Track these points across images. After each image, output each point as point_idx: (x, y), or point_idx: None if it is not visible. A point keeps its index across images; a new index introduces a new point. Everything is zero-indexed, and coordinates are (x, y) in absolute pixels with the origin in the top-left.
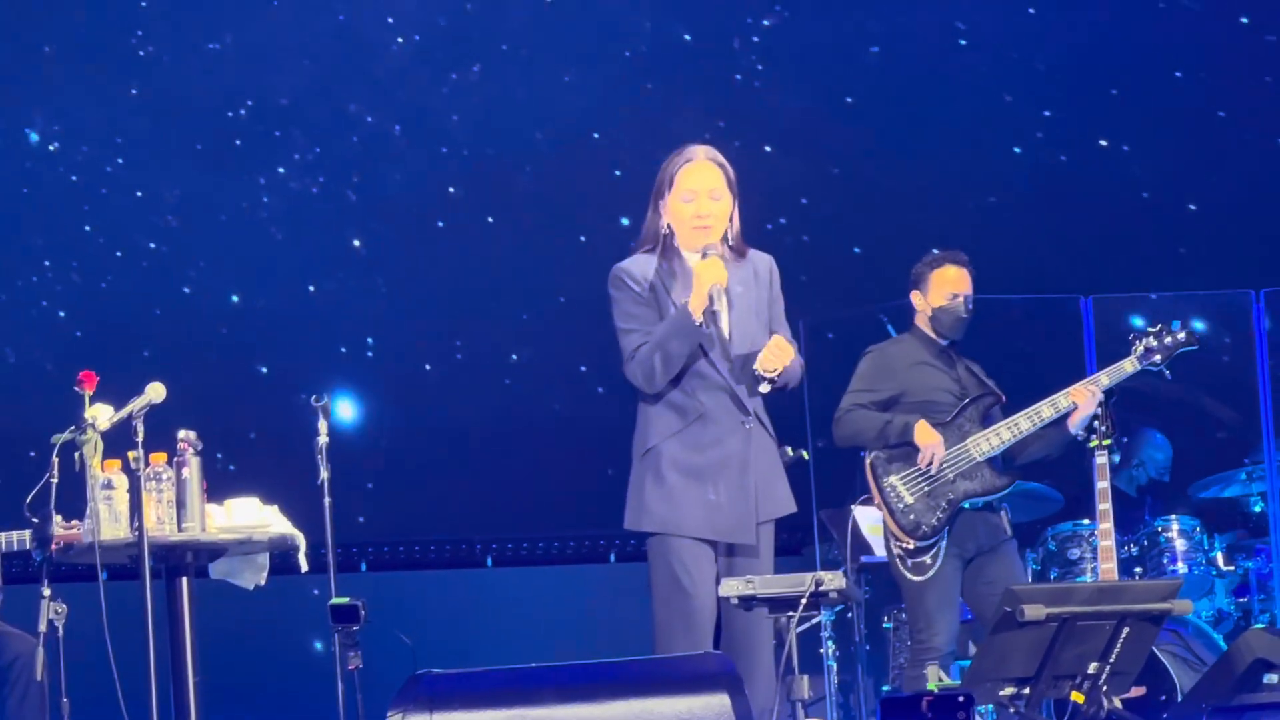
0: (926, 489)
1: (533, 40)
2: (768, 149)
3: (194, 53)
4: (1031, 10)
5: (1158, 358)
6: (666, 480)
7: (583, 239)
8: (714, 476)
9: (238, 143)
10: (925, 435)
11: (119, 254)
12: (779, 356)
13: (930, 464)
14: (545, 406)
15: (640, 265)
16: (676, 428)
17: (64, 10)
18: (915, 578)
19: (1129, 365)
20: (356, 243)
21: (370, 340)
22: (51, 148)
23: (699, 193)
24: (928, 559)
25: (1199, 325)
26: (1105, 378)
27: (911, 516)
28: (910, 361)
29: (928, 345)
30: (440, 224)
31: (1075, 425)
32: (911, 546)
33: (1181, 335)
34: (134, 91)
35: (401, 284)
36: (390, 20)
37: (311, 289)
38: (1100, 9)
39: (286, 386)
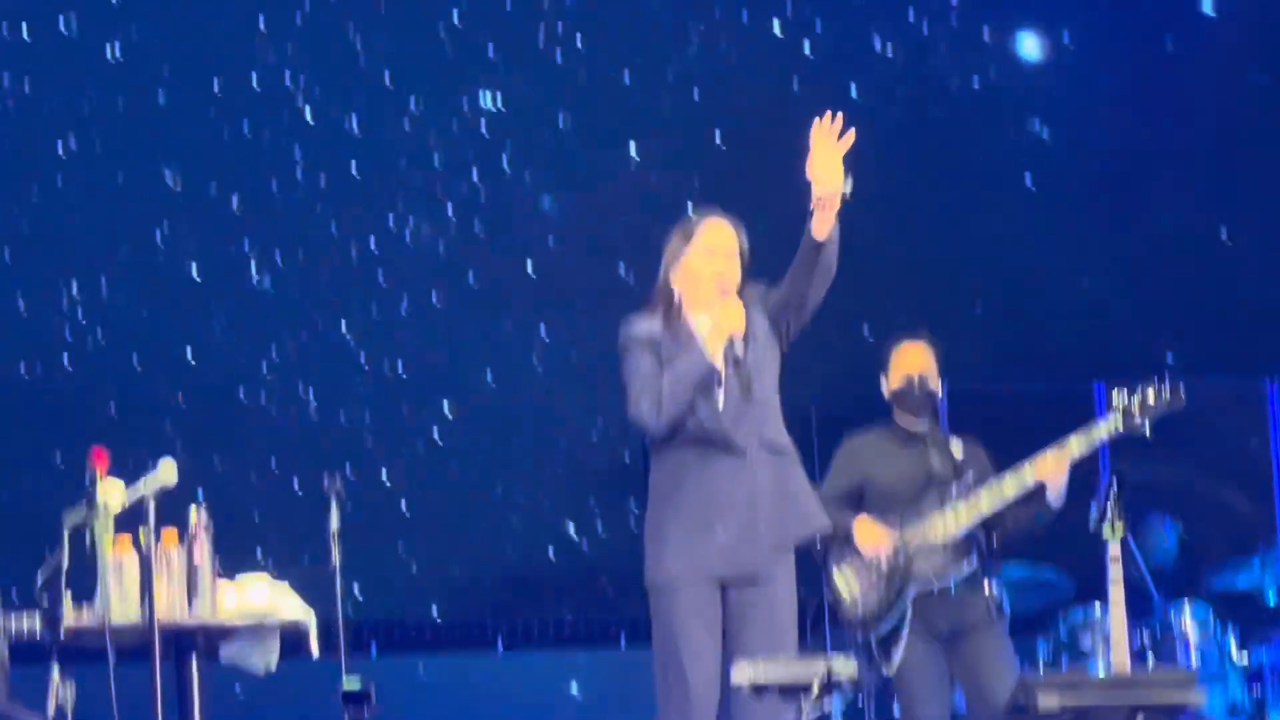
0: (876, 577)
1: None
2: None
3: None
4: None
5: (1137, 419)
6: (665, 531)
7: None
8: (719, 518)
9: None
10: (865, 538)
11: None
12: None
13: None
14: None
15: (645, 326)
16: (678, 479)
17: None
18: (888, 672)
19: (1103, 428)
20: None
21: (368, 415)
22: None
23: (719, 250)
24: (893, 648)
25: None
26: (1074, 443)
27: (859, 609)
28: (874, 451)
29: (895, 432)
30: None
31: (1054, 498)
32: (861, 639)
33: (1166, 395)
34: None
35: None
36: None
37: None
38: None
39: (292, 454)
